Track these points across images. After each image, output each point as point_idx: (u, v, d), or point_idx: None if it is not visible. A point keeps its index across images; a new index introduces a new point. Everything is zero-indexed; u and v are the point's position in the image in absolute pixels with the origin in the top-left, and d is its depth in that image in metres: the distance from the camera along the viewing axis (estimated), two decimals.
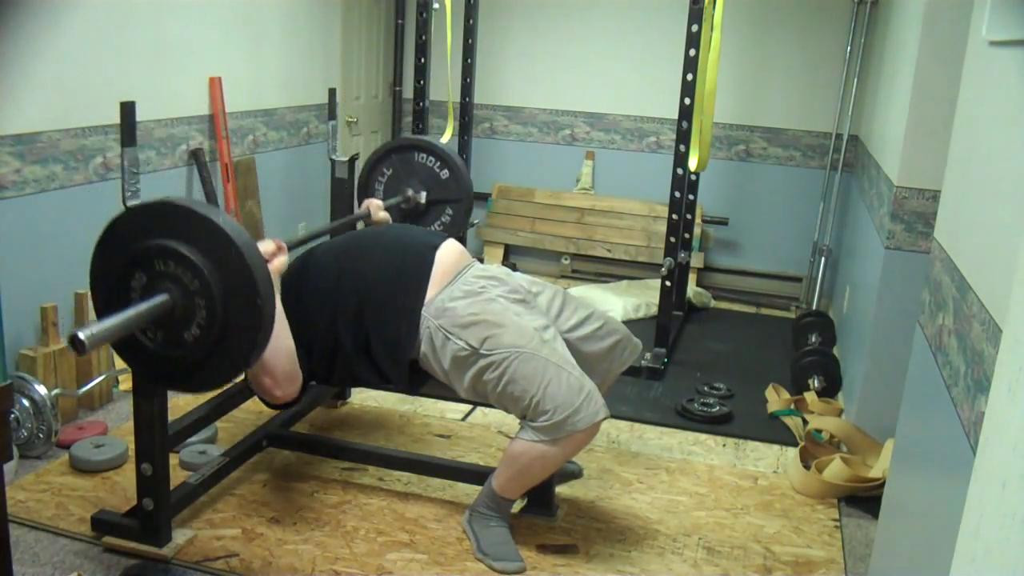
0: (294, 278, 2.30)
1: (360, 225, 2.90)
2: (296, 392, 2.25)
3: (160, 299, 1.73)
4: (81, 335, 1.55)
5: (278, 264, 2.17)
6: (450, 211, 3.16)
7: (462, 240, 3.22)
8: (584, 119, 5.33)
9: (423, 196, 3.13)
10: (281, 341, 2.12)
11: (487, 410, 3.14)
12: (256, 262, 1.74)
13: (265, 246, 2.14)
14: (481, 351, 2.16)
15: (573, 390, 2.11)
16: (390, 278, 2.30)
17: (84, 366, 3.02)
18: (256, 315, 1.73)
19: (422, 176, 3.16)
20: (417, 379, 2.34)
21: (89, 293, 1.86)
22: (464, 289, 2.29)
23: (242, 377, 2.37)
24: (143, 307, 1.71)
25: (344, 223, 2.90)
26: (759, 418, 3.37)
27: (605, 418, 2.14)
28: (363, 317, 2.27)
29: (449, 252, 2.39)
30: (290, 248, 2.25)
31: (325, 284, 2.31)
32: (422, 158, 3.16)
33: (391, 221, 2.88)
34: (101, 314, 1.82)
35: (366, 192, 3.16)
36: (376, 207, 2.84)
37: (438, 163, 3.16)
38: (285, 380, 2.17)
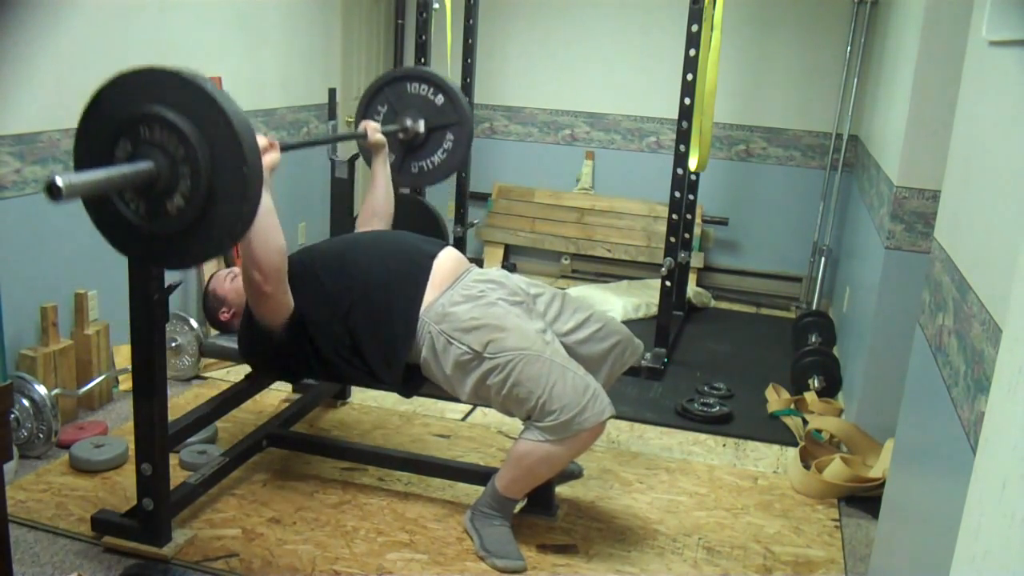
0: (293, 275, 2.29)
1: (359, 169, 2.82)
2: (283, 291, 2.20)
3: (144, 164, 1.67)
4: (59, 180, 1.47)
5: (269, 160, 2.12)
6: (451, 136, 3.07)
7: (454, 168, 3.19)
8: (584, 119, 5.33)
9: (421, 125, 3.05)
10: (271, 236, 2.12)
11: (487, 410, 3.14)
12: (244, 131, 1.67)
13: (258, 140, 2.10)
14: (485, 355, 2.17)
15: (579, 390, 2.12)
16: (387, 282, 2.30)
17: (84, 366, 3.02)
18: (242, 185, 1.67)
19: (418, 105, 3.06)
20: (413, 383, 2.34)
21: (72, 159, 1.78)
22: (464, 294, 2.29)
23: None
24: (126, 168, 1.65)
25: (339, 138, 2.87)
26: (759, 418, 3.37)
27: (611, 416, 2.15)
28: (359, 319, 2.27)
29: (447, 258, 2.39)
30: (283, 150, 2.20)
31: (323, 283, 2.31)
32: (415, 87, 3.07)
33: (387, 146, 2.84)
34: None
35: None
36: (373, 128, 2.79)
37: (432, 89, 3.06)
38: (274, 275, 2.16)
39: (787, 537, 2.51)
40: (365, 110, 3.10)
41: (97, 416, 3.04)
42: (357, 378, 2.38)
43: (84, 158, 1.77)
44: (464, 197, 4.55)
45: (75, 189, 1.53)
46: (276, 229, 2.15)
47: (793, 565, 2.37)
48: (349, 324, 2.28)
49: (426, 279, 2.31)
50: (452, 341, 2.20)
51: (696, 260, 4.93)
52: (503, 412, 2.26)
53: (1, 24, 2.69)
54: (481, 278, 2.38)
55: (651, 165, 5.19)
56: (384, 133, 2.84)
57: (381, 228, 2.78)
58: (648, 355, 3.73)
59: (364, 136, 2.77)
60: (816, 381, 3.54)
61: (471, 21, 4.37)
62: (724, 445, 3.13)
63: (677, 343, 4.17)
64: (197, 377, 3.41)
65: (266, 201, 1.95)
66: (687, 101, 3.63)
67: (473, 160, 4.83)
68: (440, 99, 3.05)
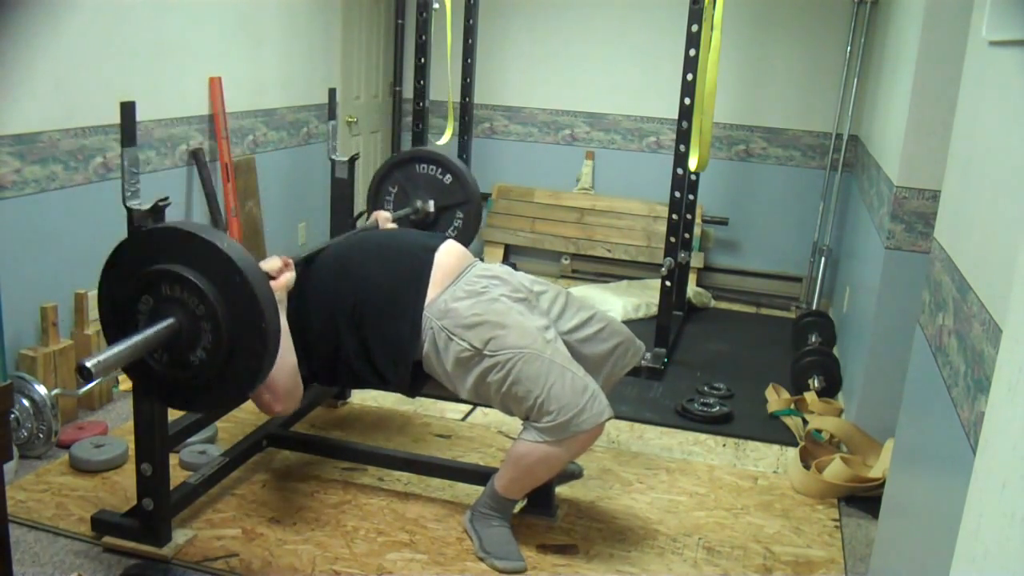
0: (297, 278, 2.29)
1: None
2: (295, 407, 2.25)
3: (166, 323, 1.76)
4: (88, 364, 1.59)
5: (284, 281, 2.18)
6: (460, 215, 3.20)
7: (466, 244, 3.23)
8: (584, 119, 5.33)
9: (431, 205, 3.17)
10: (284, 358, 2.10)
11: (487, 410, 3.14)
12: (261, 287, 1.76)
13: (271, 263, 2.17)
14: (485, 352, 2.16)
15: (577, 390, 2.11)
16: (389, 280, 2.29)
17: None
18: (261, 340, 1.76)
19: (427, 185, 3.20)
20: (417, 381, 2.34)
21: (98, 318, 1.90)
22: (467, 289, 2.29)
23: None
24: (150, 332, 1.74)
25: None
26: (759, 418, 3.37)
27: (609, 418, 2.14)
28: (362, 319, 2.27)
29: (449, 253, 2.38)
30: (296, 264, 2.26)
31: (326, 285, 2.31)
32: (423, 168, 3.20)
33: None
34: (109, 337, 1.86)
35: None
36: (384, 219, 2.87)
37: (439, 170, 3.20)
38: (286, 396, 2.17)
39: (787, 537, 2.51)
40: (375, 195, 3.24)
41: (97, 416, 3.04)
42: (362, 382, 2.38)
43: (108, 314, 1.86)
44: None
45: (104, 367, 1.63)
46: (288, 349, 2.15)
47: (793, 565, 2.37)
48: (354, 326, 2.27)
49: (429, 275, 2.30)
50: (453, 337, 2.20)
51: (696, 260, 4.93)
52: (503, 411, 2.25)
53: (1, 24, 2.69)
54: (484, 273, 2.37)
55: (651, 165, 5.19)
56: (396, 220, 2.90)
57: None
58: (648, 355, 3.73)
59: (376, 228, 2.81)
60: (816, 381, 3.54)
61: (471, 21, 4.38)
62: (724, 445, 3.13)
63: (677, 343, 4.17)
64: None
65: (281, 325, 1.97)
66: (687, 101, 3.63)
67: (473, 160, 4.84)
68: (448, 178, 3.20)
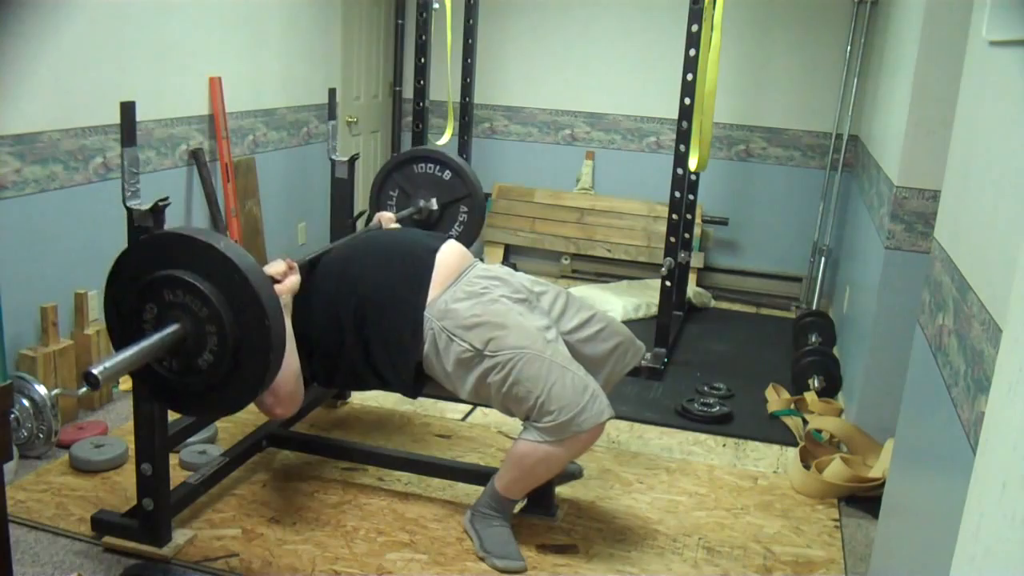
0: (302, 281, 2.29)
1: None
2: (295, 411, 2.25)
3: (171, 329, 1.76)
4: (95, 371, 1.59)
5: (289, 284, 2.18)
6: (464, 208, 3.23)
7: (472, 238, 3.26)
8: (584, 119, 5.33)
9: (434, 203, 3.20)
10: (287, 363, 2.08)
11: (487, 410, 3.14)
12: (262, 285, 1.76)
13: (275, 267, 2.17)
14: (485, 352, 2.16)
15: (578, 390, 2.11)
16: (391, 281, 2.30)
17: (84, 366, 3.02)
18: (266, 337, 1.76)
19: (428, 184, 3.23)
20: (419, 382, 2.33)
21: (104, 325, 1.90)
22: (467, 290, 2.29)
23: None
24: (155, 338, 1.74)
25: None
26: (759, 418, 3.37)
27: (610, 418, 2.15)
28: (364, 320, 2.27)
29: (450, 253, 2.38)
30: (300, 267, 2.26)
31: (327, 287, 2.31)
32: (421, 168, 3.23)
33: None
34: (117, 346, 1.85)
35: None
36: (388, 220, 2.88)
37: (438, 167, 3.22)
38: (287, 399, 2.17)
39: (787, 537, 2.51)
40: (377, 198, 3.26)
41: (97, 416, 3.04)
42: (363, 383, 2.38)
43: (114, 323, 1.87)
44: None
45: (111, 374, 1.63)
46: (292, 353, 2.14)
47: (793, 565, 2.37)
48: (356, 327, 2.27)
49: (430, 276, 2.30)
50: (453, 338, 2.20)
51: (696, 260, 4.93)
52: (503, 411, 2.25)
53: (1, 24, 2.69)
54: (484, 274, 2.37)
55: (651, 165, 5.19)
56: (400, 220, 2.91)
57: None
58: (648, 355, 3.73)
59: (380, 229, 2.81)
60: (816, 381, 3.54)
61: (471, 21, 4.38)
62: (724, 445, 3.13)
63: (677, 343, 4.17)
64: None
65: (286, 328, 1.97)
66: (687, 101, 3.63)
67: (473, 160, 4.83)
68: (447, 175, 3.23)
